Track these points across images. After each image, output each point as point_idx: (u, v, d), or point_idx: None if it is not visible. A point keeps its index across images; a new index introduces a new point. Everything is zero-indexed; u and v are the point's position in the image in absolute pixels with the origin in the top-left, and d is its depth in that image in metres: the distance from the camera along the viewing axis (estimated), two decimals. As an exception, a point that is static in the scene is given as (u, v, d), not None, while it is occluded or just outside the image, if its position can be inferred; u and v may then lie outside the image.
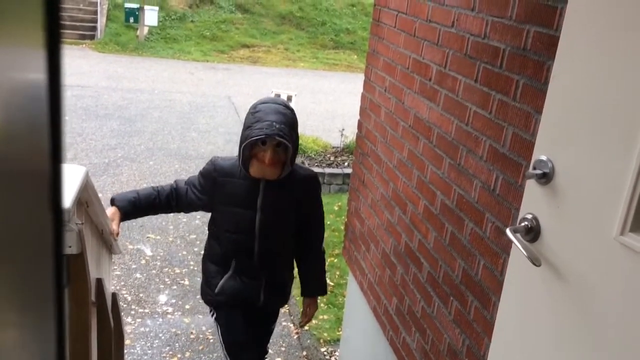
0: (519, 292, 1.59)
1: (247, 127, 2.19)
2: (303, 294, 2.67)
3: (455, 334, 1.96)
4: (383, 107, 2.69)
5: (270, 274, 2.48)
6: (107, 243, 2.47)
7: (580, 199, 1.36)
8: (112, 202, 2.37)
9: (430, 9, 2.19)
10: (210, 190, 2.39)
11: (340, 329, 3.75)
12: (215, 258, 2.50)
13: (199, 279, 4.53)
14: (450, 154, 2.02)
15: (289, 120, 2.20)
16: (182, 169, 6.73)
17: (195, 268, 4.47)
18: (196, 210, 2.54)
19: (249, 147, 2.19)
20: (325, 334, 3.91)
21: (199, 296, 4.33)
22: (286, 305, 3.46)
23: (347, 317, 3.39)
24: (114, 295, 2.95)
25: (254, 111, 2.22)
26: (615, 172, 1.26)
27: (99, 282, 2.21)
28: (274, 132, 2.11)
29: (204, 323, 3.86)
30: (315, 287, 2.65)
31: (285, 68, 14.58)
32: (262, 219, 2.33)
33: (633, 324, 1.22)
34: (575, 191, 1.38)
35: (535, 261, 1.42)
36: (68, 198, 1.74)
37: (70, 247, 1.70)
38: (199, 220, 5.28)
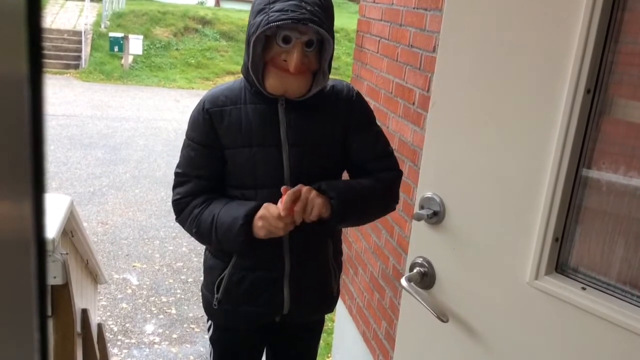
0: (413, 344, 1.43)
1: (258, 10, 1.39)
2: (318, 186, 1.48)
3: (445, 356, 1.95)
4: (368, 131, 2.71)
5: (302, 255, 1.58)
6: (93, 273, 2.44)
7: (481, 241, 1.20)
8: (249, 225, 1.46)
9: (412, 35, 2.23)
10: (212, 137, 1.56)
11: (329, 355, 3.71)
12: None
13: (186, 308, 4.50)
14: (436, 176, 2.03)
15: (325, 2, 1.41)
16: (168, 196, 6.65)
17: (183, 297, 4.42)
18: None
19: (262, 42, 1.40)
20: (315, 361, 3.87)
21: (186, 325, 4.30)
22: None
23: (336, 343, 3.36)
24: (99, 325, 2.90)
25: None
26: (519, 209, 1.11)
27: (85, 312, 2.18)
28: (304, 17, 1.33)
29: (191, 352, 3.80)
30: (345, 194, 1.48)
31: (270, 94, 14.65)
32: (294, 157, 1.51)
33: None
34: (473, 231, 1.21)
35: (442, 317, 1.23)
36: (53, 228, 1.72)
37: (55, 277, 1.68)
38: (186, 247, 5.23)
